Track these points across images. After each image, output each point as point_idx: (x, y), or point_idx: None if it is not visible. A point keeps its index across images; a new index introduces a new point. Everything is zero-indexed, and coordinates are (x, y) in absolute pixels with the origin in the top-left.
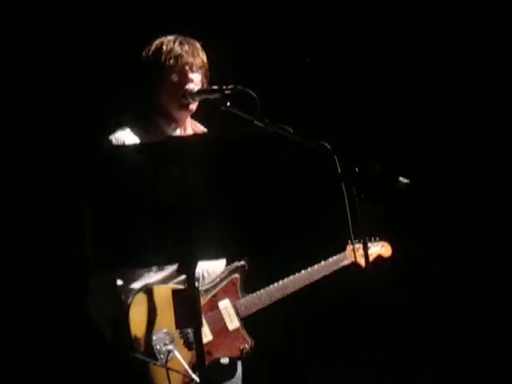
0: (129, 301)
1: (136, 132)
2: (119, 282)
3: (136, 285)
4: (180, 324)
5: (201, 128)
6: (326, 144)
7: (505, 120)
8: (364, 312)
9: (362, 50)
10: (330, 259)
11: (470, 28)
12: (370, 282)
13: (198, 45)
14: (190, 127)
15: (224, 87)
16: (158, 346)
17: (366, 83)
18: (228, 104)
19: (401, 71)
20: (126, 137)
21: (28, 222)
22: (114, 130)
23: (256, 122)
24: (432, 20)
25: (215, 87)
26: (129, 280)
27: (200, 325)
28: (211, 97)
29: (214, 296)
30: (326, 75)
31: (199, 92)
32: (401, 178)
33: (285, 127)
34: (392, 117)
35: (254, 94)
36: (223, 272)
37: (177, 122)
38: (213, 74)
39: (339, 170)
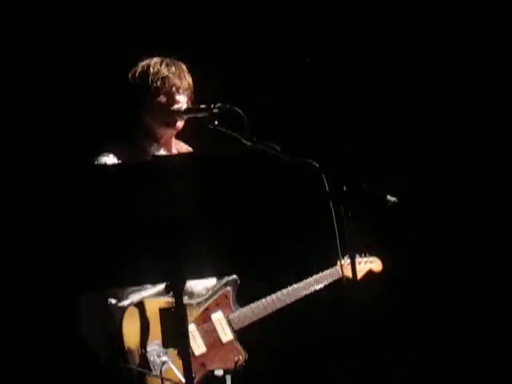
0: (121, 314)
1: (119, 156)
2: (113, 301)
3: (127, 301)
4: (167, 343)
5: (185, 147)
6: (314, 162)
7: (494, 136)
8: (356, 330)
9: (352, 68)
10: (321, 274)
11: (468, 35)
12: (363, 298)
13: (184, 67)
14: (175, 148)
15: (212, 105)
16: (151, 358)
17: (355, 101)
18: (216, 122)
19: (391, 88)
20: (110, 162)
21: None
22: (97, 156)
23: (244, 141)
24: (431, 26)
25: (203, 106)
26: (120, 297)
27: (187, 344)
28: (199, 115)
29: (207, 309)
30: (314, 94)
31: (187, 110)
32: (388, 197)
33: (272, 145)
34: (380, 135)
35: (242, 113)
36: (215, 285)
37: (161, 143)
38: (199, 93)
39: (327, 188)
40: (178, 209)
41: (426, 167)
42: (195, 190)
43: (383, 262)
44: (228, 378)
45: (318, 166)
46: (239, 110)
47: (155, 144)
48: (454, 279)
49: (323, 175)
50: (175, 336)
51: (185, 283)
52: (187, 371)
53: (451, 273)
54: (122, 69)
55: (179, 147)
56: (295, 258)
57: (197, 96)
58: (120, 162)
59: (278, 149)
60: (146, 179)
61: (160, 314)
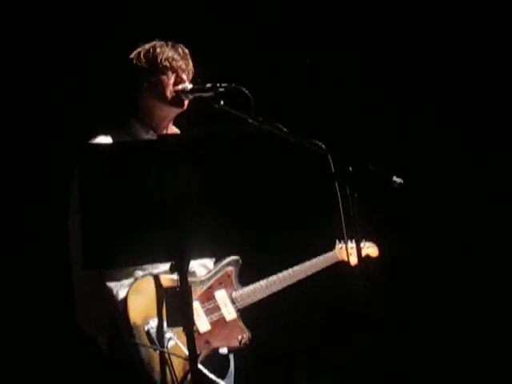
0: (128, 289)
1: (114, 137)
2: (112, 283)
3: (130, 279)
4: (171, 323)
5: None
6: (320, 143)
7: (496, 121)
8: (354, 313)
9: (358, 50)
10: (320, 257)
11: (468, 31)
12: (360, 282)
13: (186, 50)
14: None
15: (218, 85)
16: (158, 333)
17: (361, 83)
18: (222, 102)
19: (395, 71)
20: (106, 142)
21: (16, 225)
22: (94, 135)
23: (250, 121)
24: (431, 22)
25: (209, 85)
26: (118, 278)
27: (191, 325)
28: (205, 95)
29: (210, 287)
30: (321, 75)
31: (193, 90)
32: (394, 178)
33: (279, 126)
34: (386, 116)
35: (248, 93)
36: (217, 265)
37: (159, 128)
38: (207, 71)
39: (333, 169)
40: (183, 188)
41: (432, 149)
42: (201, 169)
43: (381, 247)
44: (231, 357)
45: (324, 146)
46: (245, 90)
47: (151, 131)
48: (453, 264)
49: (329, 156)
50: (180, 316)
51: (189, 263)
52: (191, 351)
53: (451, 258)
54: (116, 53)
55: (172, 132)
56: (297, 240)
57: (204, 71)
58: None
59: (284, 129)
60: (152, 158)
61: (165, 294)
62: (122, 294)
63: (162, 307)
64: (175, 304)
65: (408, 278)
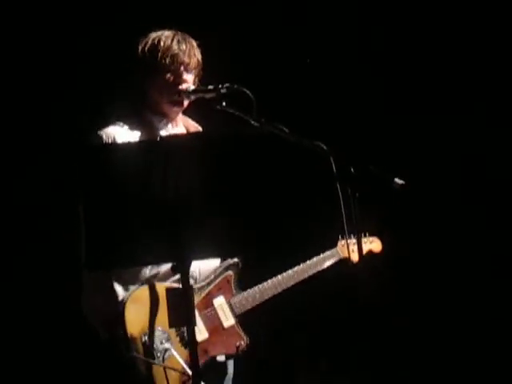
0: (124, 299)
1: (127, 127)
2: (117, 287)
3: (132, 285)
4: (173, 323)
5: (192, 124)
6: (322, 144)
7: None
8: (358, 311)
9: (360, 51)
10: (322, 255)
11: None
12: (364, 278)
13: (194, 43)
14: (182, 123)
15: (220, 86)
16: (154, 345)
17: (363, 84)
18: (223, 103)
19: (397, 72)
20: (117, 132)
21: (20, 221)
22: (104, 125)
23: (252, 122)
24: (430, 21)
25: (211, 86)
26: (125, 280)
27: (194, 324)
28: (207, 96)
29: (209, 294)
30: (322, 76)
31: (195, 91)
32: (396, 179)
33: (281, 127)
34: (388, 117)
35: (250, 94)
36: (217, 269)
37: (167, 118)
38: (209, 72)
39: (334, 170)
40: (185, 188)
41: (432, 149)
42: (202, 171)
43: (383, 243)
44: (230, 363)
45: (325, 148)
46: (247, 91)
47: (164, 120)
48: (455, 260)
49: (331, 157)
50: (182, 316)
51: (191, 263)
52: (193, 352)
53: (452, 254)
54: (132, 39)
55: (187, 124)
56: (296, 240)
57: (206, 73)
58: (127, 133)
59: (286, 130)
60: (153, 159)
61: (166, 294)
62: (120, 306)
63: (155, 318)
64: (177, 304)
65: (407, 276)
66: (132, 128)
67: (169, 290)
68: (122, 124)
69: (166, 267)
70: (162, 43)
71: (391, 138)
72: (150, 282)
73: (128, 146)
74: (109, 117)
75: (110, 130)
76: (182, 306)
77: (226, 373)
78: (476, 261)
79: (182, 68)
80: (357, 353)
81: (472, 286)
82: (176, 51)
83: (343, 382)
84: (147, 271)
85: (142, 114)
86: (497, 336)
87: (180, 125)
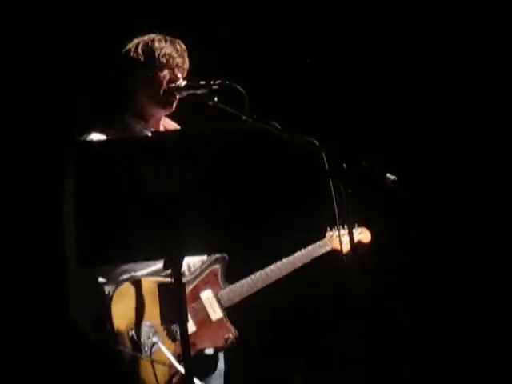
0: (110, 294)
1: (108, 134)
2: (102, 280)
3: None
4: (165, 319)
5: (172, 124)
6: (314, 140)
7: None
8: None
9: (352, 50)
10: (310, 247)
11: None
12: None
13: (184, 46)
14: (162, 126)
15: (212, 82)
16: (142, 339)
17: (355, 80)
18: (215, 99)
19: (389, 69)
20: (100, 139)
21: (6, 220)
22: (87, 132)
23: (243, 118)
24: (431, 21)
25: (203, 82)
26: (111, 277)
27: (186, 320)
28: (198, 91)
29: (196, 287)
30: (315, 73)
31: (186, 86)
32: (388, 175)
33: (273, 123)
34: (380, 114)
35: (242, 90)
36: (203, 263)
37: (150, 122)
38: (199, 71)
39: (327, 166)
40: (176, 185)
41: (425, 145)
42: (194, 167)
43: (372, 234)
44: (221, 356)
45: (317, 144)
46: (239, 87)
47: (143, 122)
48: (446, 252)
49: (323, 153)
50: (174, 312)
51: (183, 260)
52: (185, 347)
53: (443, 246)
54: (109, 45)
55: (166, 124)
56: (284, 233)
57: (198, 69)
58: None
59: (278, 126)
60: (145, 155)
61: (158, 290)
62: (107, 298)
63: (142, 312)
64: (169, 300)
65: (397, 268)
66: (111, 134)
67: (161, 286)
68: (101, 131)
69: (156, 265)
70: (156, 43)
71: (383, 134)
72: (137, 277)
73: (119, 142)
74: (86, 121)
75: (93, 136)
76: (174, 303)
77: (215, 367)
78: (467, 254)
79: (175, 67)
80: (345, 349)
81: (463, 279)
82: (170, 51)
83: (332, 379)
84: (138, 267)
85: (122, 118)
86: (490, 330)
87: (160, 128)
